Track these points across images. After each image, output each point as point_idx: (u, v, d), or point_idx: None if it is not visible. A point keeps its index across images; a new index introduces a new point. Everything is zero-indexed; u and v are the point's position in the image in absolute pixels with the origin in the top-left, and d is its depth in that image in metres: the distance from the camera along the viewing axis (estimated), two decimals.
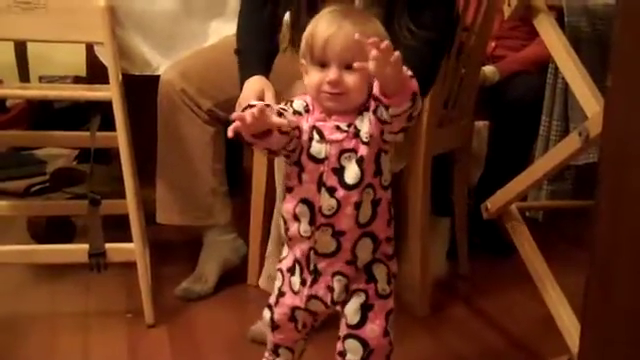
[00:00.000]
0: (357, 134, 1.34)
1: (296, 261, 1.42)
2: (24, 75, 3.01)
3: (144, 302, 1.93)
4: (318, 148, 1.34)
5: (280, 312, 1.45)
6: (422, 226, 2.01)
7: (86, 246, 1.90)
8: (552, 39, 1.54)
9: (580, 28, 1.71)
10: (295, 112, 1.36)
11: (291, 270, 1.43)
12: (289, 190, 1.39)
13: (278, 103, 1.44)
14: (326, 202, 1.34)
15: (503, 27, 2.62)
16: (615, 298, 1.00)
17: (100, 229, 1.93)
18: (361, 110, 1.35)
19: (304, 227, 1.37)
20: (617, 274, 1.00)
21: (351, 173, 1.33)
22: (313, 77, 1.34)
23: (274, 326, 1.46)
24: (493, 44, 2.61)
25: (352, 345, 1.39)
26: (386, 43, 1.21)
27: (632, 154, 0.97)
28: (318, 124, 1.35)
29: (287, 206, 1.39)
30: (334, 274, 1.38)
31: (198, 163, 2.11)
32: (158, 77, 2.14)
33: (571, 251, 2.40)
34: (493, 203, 1.57)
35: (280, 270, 1.46)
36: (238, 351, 1.82)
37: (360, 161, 1.33)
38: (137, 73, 2.21)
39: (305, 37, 1.37)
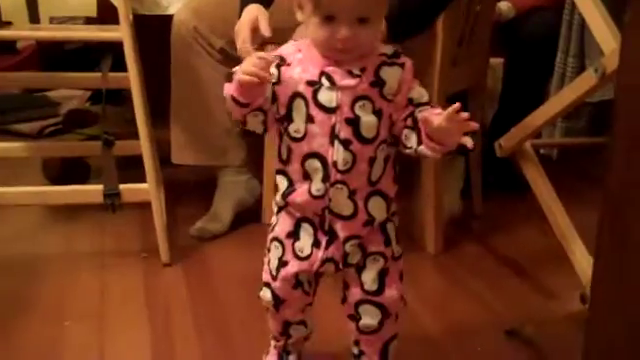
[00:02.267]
0: (378, 83, 1.22)
1: (300, 222, 1.29)
2: (34, 16, 2.98)
3: (159, 241, 1.95)
4: (328, 96, 1.21)
5: (282, 284, 1.33)
6: (436, 164, 2.00)
7: (101, 186, 1.91)
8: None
9: None
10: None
11: (293, 235, 1.30)
12: (289, 148, 1.26)
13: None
14: (341, 156, 1.22)
15: None
16: (629, 234, 1.00)
17: (114, 169, 1.94)
18: (385, 59, 1.23)
19: (317, 185, 1.24)
20: (631, 211, 1.00)
21: (368, 125, 1.22)
22: (320, 32, 1.19)
23: (279, 302, 1.35)
24: None
25: (370, 310, 1.33)
26: (466, 116, 1.13)
27: None
28: (327, 69, 1.21)
29: (293, 166, 1.26)
30: (350, 237, 1.28)
31: (212, 103, 2.11)
32: (171, 17, 2.13)
33: (584, 189, 2.39)
34: (506, 141, 1.56)
35: (276, 239, 1.33)
36: (252, 289, 1.82)
37: (379, 114, 1.22)
38: (147, 13, 2.19)
39: None
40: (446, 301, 1.85)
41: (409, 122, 1.23)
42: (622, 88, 1.02)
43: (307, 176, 1.25)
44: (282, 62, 1.23)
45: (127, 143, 2.17)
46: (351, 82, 1.21)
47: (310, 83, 1.22)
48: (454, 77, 2.04)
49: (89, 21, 2.96)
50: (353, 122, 1.21)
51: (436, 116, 1.17)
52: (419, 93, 1.25)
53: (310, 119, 1.22)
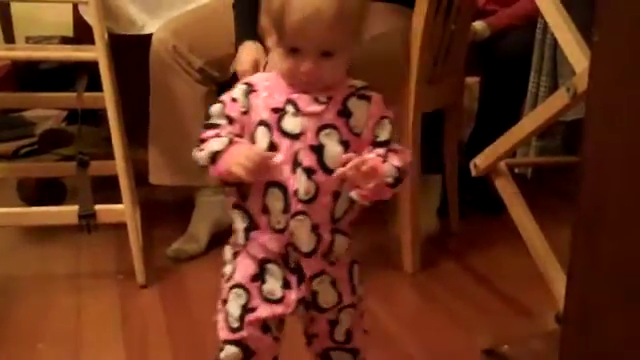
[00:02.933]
0: (344, 114, 1.17)
1: (264, 264, 1.20)
2: (9, 36, 2.97)
3: (135, 263, 1.93)
4: (293, 122, 1.15)
5: (251, 331, 1.20)
6: (413, 183, 2.01)
7: (76, 207, 1.90)
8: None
9: None
10: (232, 99, 1.19)
11: (258, 277, 1.20)
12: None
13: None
14: (303, 185, 1.15)
15: None
16: (601, 253, 1.01)
17: (89, 190, 1.93)
18: (354, 91, 1.19)
19: (277, 217, 1.16)
20: (603, 229, 1.00)
21: (333, 154, 1.15)
22: (284, 63, 1.15)
23: (249, 355, 1.21)
24: None
25: (342, 356, 1.28)
26: (367, 166, 1.10)
27: (617, 109, 0.97)
28: (293, 96, 1.16)
29: (252, 198, 1.17)
30: (317, 274, 1.20)
31: (190, 123, 2.10)
32: (150, 37, 2.13)
33: (560, 207, 2.41)
34: (482, 160, 1.57)
35: (237, 286, 1.21)
36: None
37: (346, 145, 1.16)
38: (122, 32, 2.19)
39: (272, 9, 1.13)
40: (423, 320, 1.85)
41: (386, 114, 1.20)
42: (591, 108, 1.03)
43: (266, 209, 1.17)
44: (250, 89, 1.19)
45: (103, 163, 2.16)
46: (317, 108, 1.16)
47: (275, 110, 1.17)
48: (430, 96, 2.06)
49: (65, 41, 2.94)
50: (317, 149, 1.15)
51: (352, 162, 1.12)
52: (383, 130, 1.20)
53: (273, 147, 1.16)
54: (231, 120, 1.18)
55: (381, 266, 2.08)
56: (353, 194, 1.14)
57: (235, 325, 1.21)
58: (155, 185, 2.19)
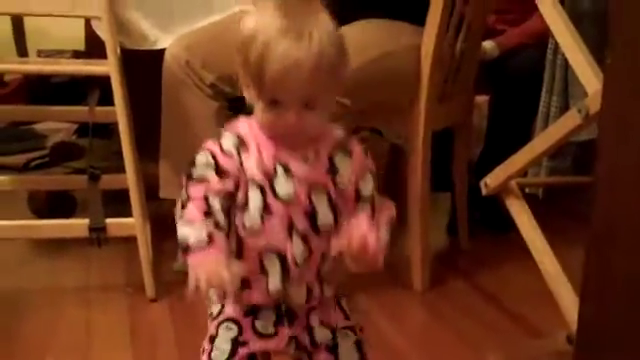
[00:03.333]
0: (331, 171, 1.14)
1: (256, 308, 1.17)
2: (22, 49, 3.00)
3: (145, 276, 1.94)
4: (285, 187, 1.11)
5: None
6: (422, 201, 2.01)
7: (86, 221, 1.91)
8: (552, 15, 1.52)
9: (580, 4, 1.69)
10: (225, 153, 1.12)
11: (252, 313, 1.17)
12: (241, 242, 1.13)
13: None
14: (300, 250, 1.12)
15: (503, 0, 2.61)
16: (614, 273, 1.01)
17: (100, 203, 1.94)
18: (337, 144, 1.15)
19: (274, 284, 1.13)
20: (616, 249, 1.00)
21: (324, 217, 1.13)
22: (264, 116, 1.09)
23: None
24: (493, 18, 2.60)
25: None
26: (357, 248, 1.05)
27: (630, 130, 0.97)
28: (282, 157, 1.12)
29: (247, 263, 1.12)
30: (310, 309, 1.19)
31: (201, 138, 2.07)
32: (162, 52, 2.14)
33: (571, 228, 2.39)
34: (492, 179, 1.57)
35: (229, 320, 1.18)
36: None
37: (334, 204, 1.13)
38: (134, 47, 2.20)
39: (250, 62, 1.07)
40: (431, 338, 1.84)
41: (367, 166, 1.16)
42: (604, 128, 1.03)
43: (264, 271, 1.13)
44: (240, 143, 1.13)
45: (113, 177, 2.17)
46: (306, 170, 1.12)
47: (266, 173, 1.11)
48: (440, 114, 2.06)
49: (77, 55, 2.97)
50: (311, 215, 1.12)
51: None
52: (367, 184, 1.16)
53: (267, 208, 1.11)
54: (225, 173, 1.11)
55: (390, 284, 2.08)
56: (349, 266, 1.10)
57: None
58: (164, 199, 2.19)
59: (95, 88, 2.18)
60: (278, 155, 1.12)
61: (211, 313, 1.21)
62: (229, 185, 1.10)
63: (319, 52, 1.05)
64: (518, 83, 2.39)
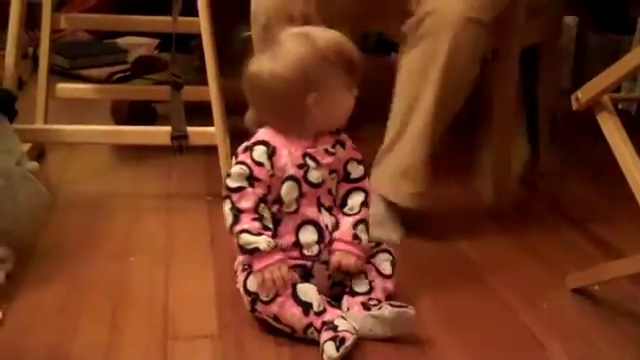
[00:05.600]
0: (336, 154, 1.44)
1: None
2: None
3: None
4: (316, 175, 1.40)
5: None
6: (509, 115, 1.96)
7: (169, 128, 1.93)
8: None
9: None
10: (257, 164, 1.37)
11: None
12: (278, 222, 1.40)
13: None
14: (329, 220, 1.42)
15: None
16: None
17: (182, 112, 1.96)
18: (335, 139, 1.44)
19: (309, 247, 1.41)
20: None
21: (335, 191, 1.46)
22: (347, 101, 1.40)
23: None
24: None
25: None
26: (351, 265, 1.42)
27: None
28: (310, 151, 1.39)
29: (283, 237, 1.40)
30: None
31: None
32: None
33: None
34: (584, 93, 1.50)
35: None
36: None
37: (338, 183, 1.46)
38: None
39: (330, 58, 1.36)
40: (509, 257, 1.81)
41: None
42: None
43: (297, 243, 1.40)
44: (271, 150, 1.38)
45: (195, 89, 2.18)
46: (330, 160, 1.41)
47: (300, 166, 1.39)
48: (527, 29, 1.98)
49: None
50: (331, 192, 1.44)
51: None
52: (356, 169, 1.47)
53: (301, 195, 1.39)
54: (258, 181, 1.36)
55: (469, 206, 2.06)
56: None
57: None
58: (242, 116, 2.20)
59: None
60: (306, 150, 1.39)
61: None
62: (261, 188, 1.36)
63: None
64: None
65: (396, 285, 1.48)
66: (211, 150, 1.97)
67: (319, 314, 1.33)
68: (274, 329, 1.38)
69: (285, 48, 1.36)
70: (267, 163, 1.37)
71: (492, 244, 1.85)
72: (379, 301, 1.41)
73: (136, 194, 2.08)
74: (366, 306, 1.40)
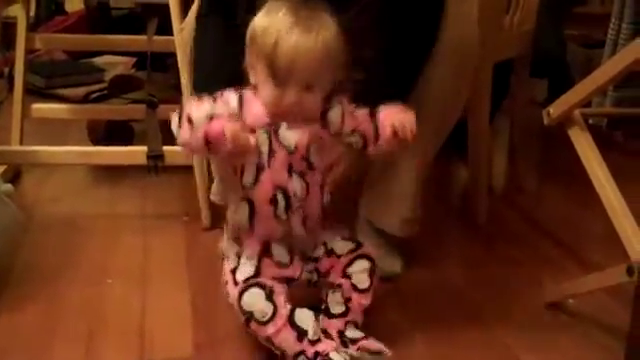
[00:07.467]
0: (326, 125, 1.35)
1: (269, 243, 1.38)
2: None
3: (201, 205, 1.95)
4: (289, 135, 1.31)
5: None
6: (483, 135, 1.97)
7: (144, 148, 1.92)
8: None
9: None
10: (223, 101, 1.30)
11: (266, 252, 1.38)
12: (257, 174, 1.33)
13: None
14: (298, 187, 1.34)
15: None
16: None
17: (158, 131, 1.95)
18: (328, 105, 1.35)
19: (280, 211, 1.34)
20: None
21: (314, 156, 1.35)
22: (269, 93, 1.28)
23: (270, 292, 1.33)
24: None
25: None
26: (412, 134, 1.30)
27: None
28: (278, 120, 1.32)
29: (259, 190, 1.33)
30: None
31: None
32: None
33: (635, 160, 2.34)
34: (555, 108, 1.52)
35: (248, 257, 1.38)
36: None
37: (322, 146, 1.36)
38: None
39: (264, 50, 1.26)
40: (486, 270, 1.82)
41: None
42: None
43: (273, 201, 1.34)
44: (244, 102, 1.31)
45: (171, 107, 2.16)
46: (302, 131, 1.32)
47: (272, 121, 1.31)
48: (501, 44, 2.00)
49: None
50: (307, 159, 1.34)
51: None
52: (358, 112, 1.38)
53: (271, 152, 1.31)
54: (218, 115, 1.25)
55: (449, 218, 2.07)
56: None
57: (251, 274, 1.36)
58: None
59: (154, 17, 2.18)
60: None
61: (226, 257, 1.43)
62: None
63: (323, 45, 1.25)
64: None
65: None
66: (187, 170, 1.97)
67: (313, 343, 1.31)
68: (250, 350, 1.38)
69: (267, 9, 1.30)
70: (236, 106, 1.31)
71: (469, 258, 1.86)
72: (356, 325, 1.40)
73: (112, 214, 2.07)
74: (343, 337, 1.39)
